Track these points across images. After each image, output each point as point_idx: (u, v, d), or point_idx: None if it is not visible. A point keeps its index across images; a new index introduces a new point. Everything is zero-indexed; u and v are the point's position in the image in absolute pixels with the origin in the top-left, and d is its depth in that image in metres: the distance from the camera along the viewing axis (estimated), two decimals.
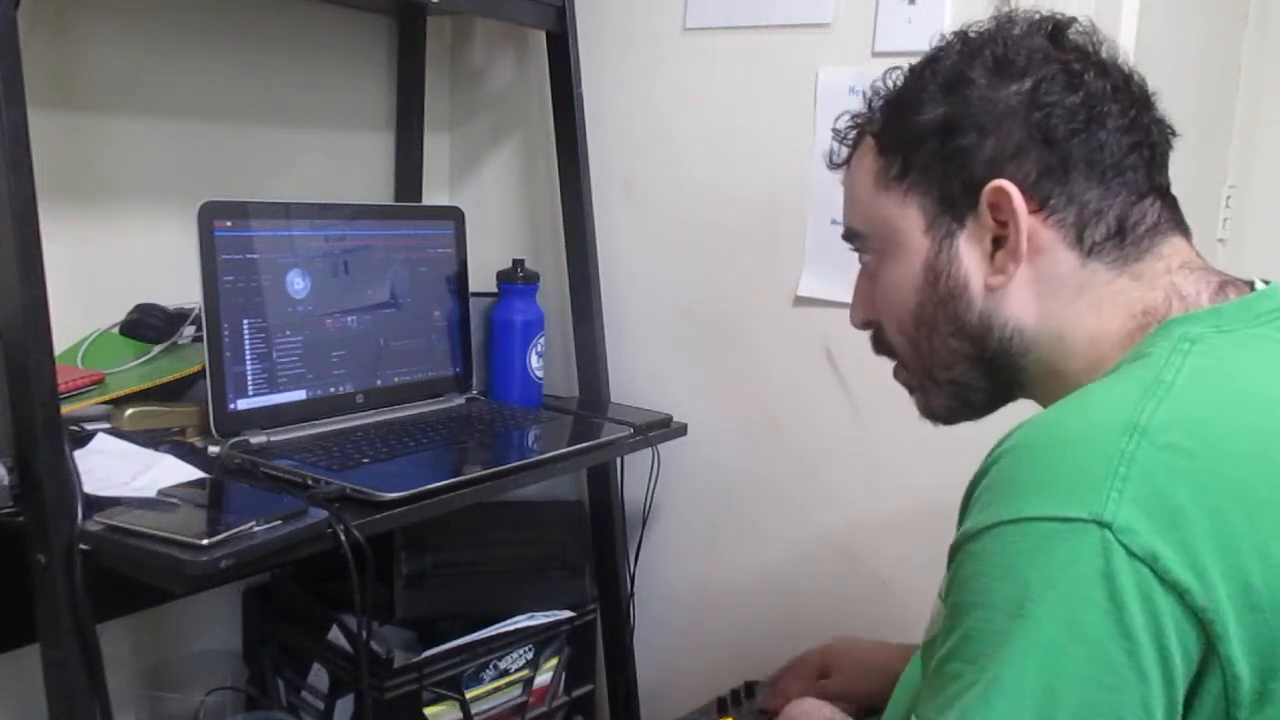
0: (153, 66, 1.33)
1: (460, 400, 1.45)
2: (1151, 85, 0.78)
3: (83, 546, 0.91)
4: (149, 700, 1.35)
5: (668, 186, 1.53)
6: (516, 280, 1.48)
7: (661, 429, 1.43)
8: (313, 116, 1.54)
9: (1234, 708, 0.58)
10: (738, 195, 1.46)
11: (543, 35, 1.51)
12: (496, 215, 1.69)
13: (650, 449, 1.43)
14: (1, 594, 1.00)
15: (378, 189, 1.64)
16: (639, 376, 1.58)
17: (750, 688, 1.22)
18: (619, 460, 1.53)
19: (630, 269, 1.57)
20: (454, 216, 1.46)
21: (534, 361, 1.49)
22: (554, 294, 1.60)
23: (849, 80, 1.33)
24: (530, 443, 1.35)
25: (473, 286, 1.48)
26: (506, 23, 1.60)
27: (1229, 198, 1.77)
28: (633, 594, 1.57)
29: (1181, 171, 0.79)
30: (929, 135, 0.76)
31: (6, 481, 0.94)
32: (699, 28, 1.48)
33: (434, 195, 1.71)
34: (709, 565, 1.56)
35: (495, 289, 1.50)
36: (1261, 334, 0.69)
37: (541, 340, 1.50)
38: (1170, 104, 0.79)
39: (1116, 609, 0.57)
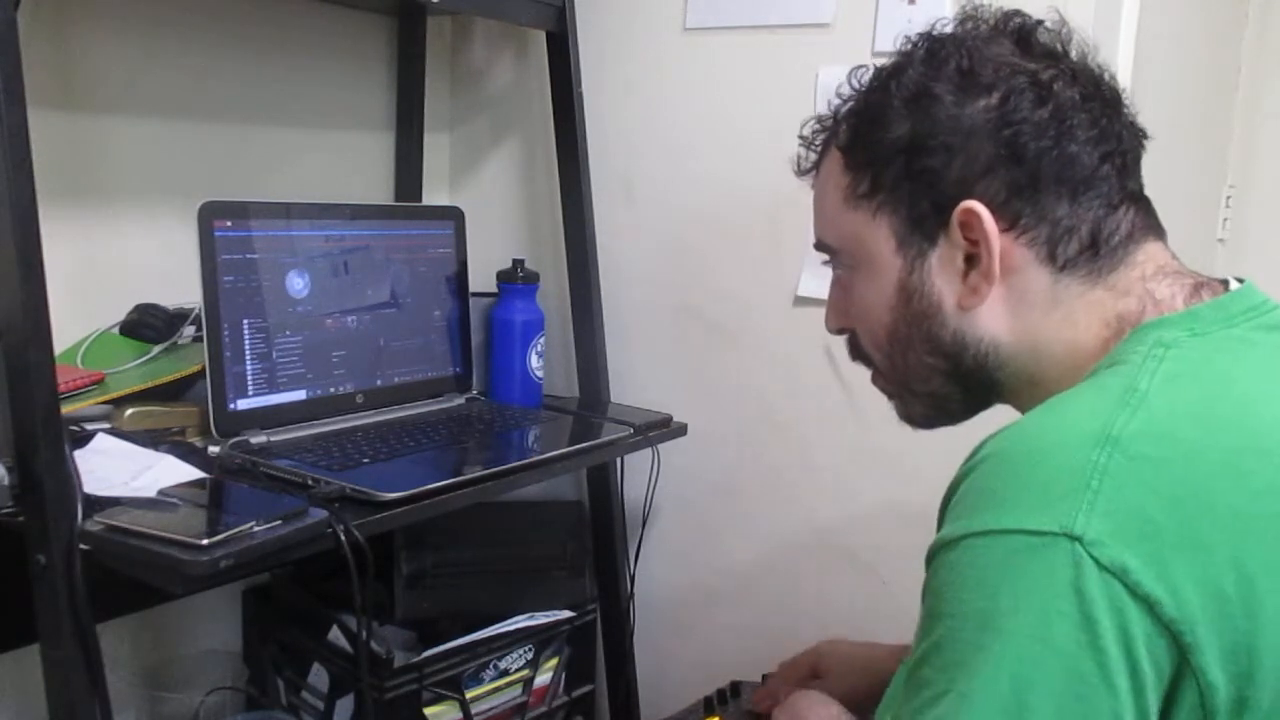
0: (153, 66, 1.33)
1: (460, 400, 1.45)
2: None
3: (83, 546, 0.91)
4: (149, 700, 1.35)
5: (668, 186, 1.53)
6: (516, 280, 1.48)
7: (661, 429, 1.43)
8: (313, 116, 1.54)
9: (1211, 715, 0.58)
10: (738, 195, 1.46)
11: (543, 35, 1.51)
12: (496, 215, 1.69)
13: (650, 449, 1.43)
14: (1, 594, 1.00)
15: (378, 189, 1.64)
16: (639, 376, 1.58)
17: (736, 687, 1.21)
18: (619, 460, 1.52)
19: (630, 269, 1.57)
20: (454, 216, 1.46)
21: (534, 361, 1.49)
22: (554, 294, 1.59)
23: None
24: (530, 443, 1.35)
25: (473, 286, 1.49)
26: (506, 23, 1.60)
27: (1229, 198, 1.77)
28: (633, 594, 1.57)
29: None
30: (896, 154, 0.75)
31: (6, 481, 0.94)
32: (699, 28, 1.48)
33: (434, 195, 1.71)
34: (709, 565, 1.56)
35: (495, 289, 1.50)
36: (1236, 335, 0.69)
37: (541, 340, 1.50)
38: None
39: (1087, 621, 0.57)
